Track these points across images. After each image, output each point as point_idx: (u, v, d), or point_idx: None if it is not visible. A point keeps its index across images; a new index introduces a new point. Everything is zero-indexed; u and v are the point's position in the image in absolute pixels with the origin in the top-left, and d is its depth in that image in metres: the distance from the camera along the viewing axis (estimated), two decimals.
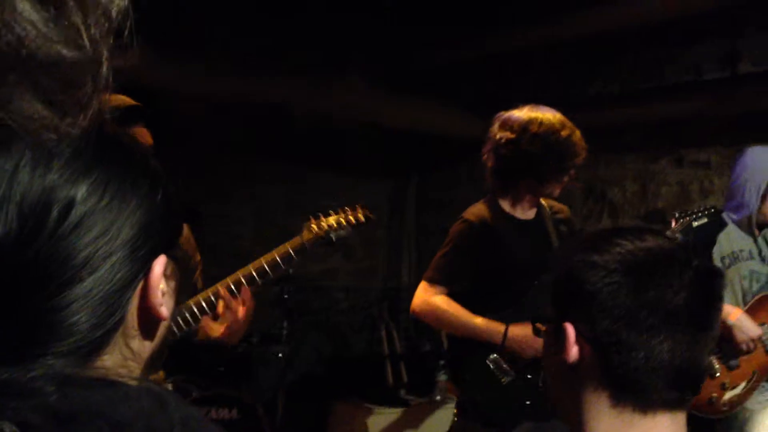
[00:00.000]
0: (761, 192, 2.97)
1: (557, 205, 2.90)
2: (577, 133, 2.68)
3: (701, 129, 4.41)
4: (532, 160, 2.62)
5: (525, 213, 2.78)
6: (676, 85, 4.47)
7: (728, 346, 2.87)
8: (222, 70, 4.25)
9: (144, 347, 0.71)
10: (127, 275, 0.66)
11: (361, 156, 5.72)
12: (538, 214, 2.82)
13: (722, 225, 3.06)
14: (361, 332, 5.50)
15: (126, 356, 0.68)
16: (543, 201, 2.83)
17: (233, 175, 5.08)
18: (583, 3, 4.08)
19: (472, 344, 2.63)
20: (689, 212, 2.90)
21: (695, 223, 2.83)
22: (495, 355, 2.58)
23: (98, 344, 0.65)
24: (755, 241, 3.04)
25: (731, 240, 3.02)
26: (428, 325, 2.84)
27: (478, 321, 2.59)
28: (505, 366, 2.58)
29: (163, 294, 0.70)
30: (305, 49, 4.45)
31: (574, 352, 1.07)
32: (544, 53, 4.81)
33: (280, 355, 4.49)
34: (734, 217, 3.04)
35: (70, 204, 0.61)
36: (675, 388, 1.04)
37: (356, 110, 4.97)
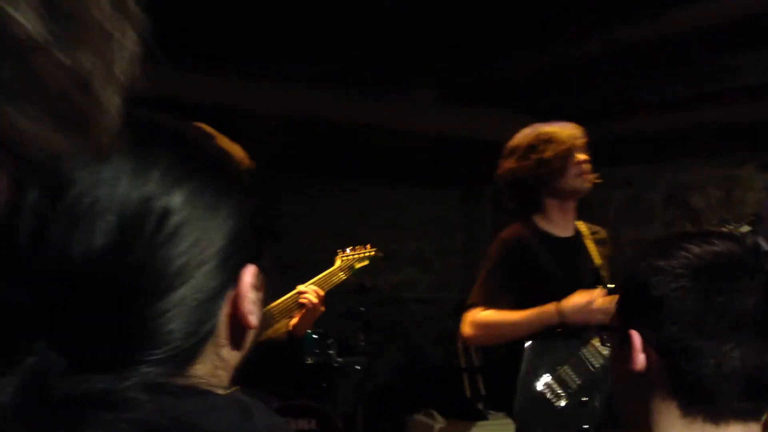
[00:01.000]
0: None
1: (594, 227, 2.85)
2: (558, 133, 2.65)
3: None
4: (539, 176, 2.62)
5: (562, 230, 2.74)
6: (759, 85, 4.31)
7: None
8: (293, 89, 4.35)
9: (232, 356, 0.72)
10: (219, 284, 0.66)
11: (431, 168, 5.74)
12: (576, 232, 2.77)
13: None
14: (437, 344, 5.50)
15: (216, 365, 0.69)
16: (580, 223, 2.79)
17: (303, 193, 5.17)
18: (659, 5, 3.99)
19: (523, 369, 2.57)
20: (729, 220, 2.78)
21: (737, 231, 2.70)
22: (546, 378, 2.52)
23: (192, 353, 0.66)
24: None
25: None
26: None
27: (528, 311, 2.52)
28: (559, 390, 2.51)
29: (253, 303, 0.71)
30: (371, 67, 4.50)
31: (641, 359, 1.04)
32: (616, 58, 4.72)
33: (358, 367, 4.53)
34: None
35: (166, 213, 0.63)
36: (748, 397, 1.00)
37: (423, 122, 5.00)
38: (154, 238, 0.62)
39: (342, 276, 3.32)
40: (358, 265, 3.39)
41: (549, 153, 2.64)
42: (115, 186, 0.61)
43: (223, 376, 0.70)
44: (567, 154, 2.64)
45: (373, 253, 3.42)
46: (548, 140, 2.66)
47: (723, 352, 0.99)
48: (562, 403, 2.51)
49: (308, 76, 4.38)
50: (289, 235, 4.82)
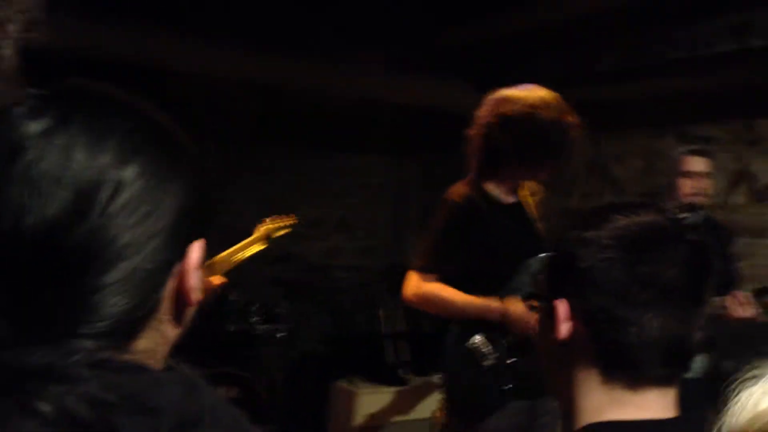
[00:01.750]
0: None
1: (534, 187, 2.79)
2: (569, 117, 2.54)
3: (706, 105, 4.33)
4: (521, 143, 2.51)
5: (508, 196, 2.68)
6: (681, 59, 4.38)
7: None
8: (230, 50, 4.22)
9: (173, 332, 0.72)
10: (168, 258, 0.67)
11: (364, 135, 5.69)
12: (519, 197, 2.72)
13: None
14: (362, 311, 5.50)
15: (157, 341, 0.69)
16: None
17: (231, 159, 5.07)
18: None
19: (455, 328, 2.60)
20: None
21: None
22: (477, 338, 2.54)
23: (135, 327, 0.66)
24: None
25: None
26: None
27: (475, 299, 2.54)
28: (485, 350, 2.53)
29: (197, 279, 0.71)
30: (311, 31, 4.40)
31: (565, 328, 1.05)
32: (549, 33, 4.74)
33: (281, 334, 4.50)
34: None
35: (120, 185, 0.63)
36: (665, 364, 1.02)
37: (357, 89, 4.93)
38: (107, 209, 0.62)
39: (258, 246, 3.31)
40: (275, 235, 3.38)
41: (563, 121, 2.54)
42: (70, 156, 0.62)
43: (163, 352, 0.70)
44: (568, 138, 2.56)
45: (292, 221, 3.44)
46: (562, 112, 2.56)
47: (645, 321, 1.01)
48: (489, 362, 2.53)
49: (247, 40, 4.25)
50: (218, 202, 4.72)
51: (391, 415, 4.47)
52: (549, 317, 1.08)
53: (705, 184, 3.38)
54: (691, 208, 3.00)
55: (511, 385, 2.53)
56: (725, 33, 4.21)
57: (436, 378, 4.43)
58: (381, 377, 4.68)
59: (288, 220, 3.43)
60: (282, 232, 3.41)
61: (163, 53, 4.06)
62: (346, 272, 5.69)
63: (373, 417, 4.46)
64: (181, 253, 0.69)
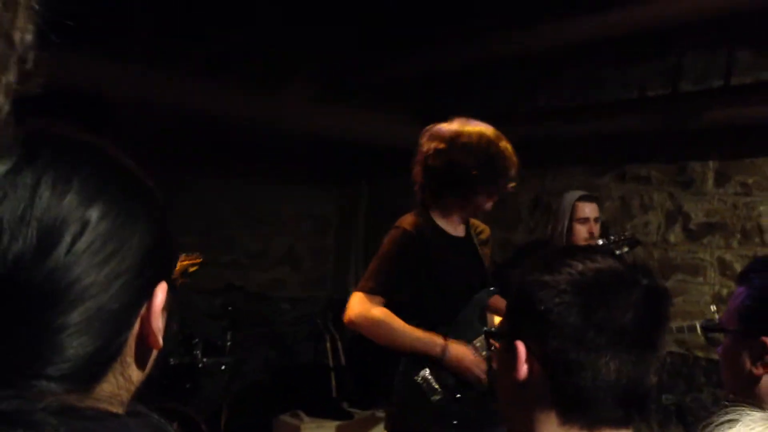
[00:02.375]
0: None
1: (479, 225, 2.85)
2: (510, 147, 2.62)
3: (643, 145, 4.51)
4: (463, 172, 2.55)
5: (455, 229, 2.71)
6: (620, 101, 4.57)
7: None
8: (168, 79, 4.18)
9: (138, 375, 0.70)
10: (133, 299, 0.66)
11: (308, 166, 5.70)
12: (467, 231, 2.76)
13: None
14: (306, 343, 5.47)
15: (121, 384, 0.68)
16: (472, 220, 2.79)
17: (178, 188, 5.00)
18: (529, 20, 4.15)
19: (404, 362, 2.58)
20: (612, 240, 2.96)
21: (617, 251, 2.86)
22: (425, 372, 2.53)
23: (98, 370, 0.65)
24: None
25: None
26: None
27: (418, 333, 2.52)
28: (434, 384, 2.53)
29: (162, 322, 0.70)
30: (253, 60, 4.42)
31: (524, 370, 1.07)
32: (491, 68, 4.87)
33: (223, 367, 4.42)
34: None
35: (85, 224, 0.63)
36: (621, 406, 1.05)
37: (303, 120, 4.95)
38: (72, 248, 0.62)
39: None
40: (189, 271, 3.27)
41: (507, 151, 2.61)
42: (35, 195, 0.61)
43: (127, 396, 0.69)
44: (513, 166, 2.63)
45: (198, 259, 3.29)
46: (505, 142, 2.63)
47: (601, 365, 1.03)
48: (437, 397, 2.53)
49: (186, 69, 4.23)
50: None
51: None
52: (509, 357, 1.10)
53: (596, 229, 3.58)
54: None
55: (456, 422, 2.54)
56: (656, 77, 4.42)
57: (380, 411, 4.44)
58: (325, 410, 4.65)
59: (194, 258, 3.27)
60: (192, 269, 3.26)
61: (100, 80, 4.01)
62: (290, 303, 5.66)
63: None
64: (145, 295, 0.68)
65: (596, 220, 3.62)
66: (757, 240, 4.04)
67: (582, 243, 3.44)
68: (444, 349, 2.50)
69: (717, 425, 0.85)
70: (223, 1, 4.20)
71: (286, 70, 4.64)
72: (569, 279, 1.07)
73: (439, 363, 2.53)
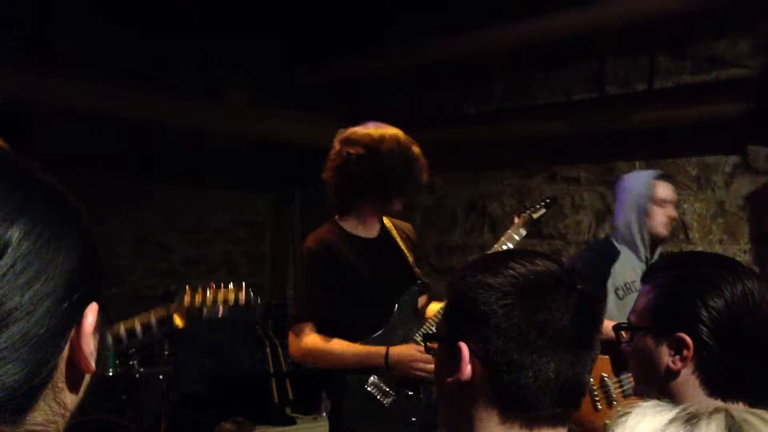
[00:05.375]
0: (644, 211, 3.13)
1: (401, 223, 2.86)
2: (419, 150, 2.66)
3: (571, 147, 4.65)
4: (382, 175, 2.56)
5: (368, 231, 2.71)
6: (548, 105, 4.71)
7: (623, 365, 2.93)
8: (99, 88, 4.10)
9: (72, 400, 0.66)
10: (61, 322, 0.62)
11: (242, 172, 5.66)
12: (382, 231, 2.76)
13: (615, 253, 3.16)
14: (245, 350, 5.42)
15: (55, 411, 0.64)
16: (385, 219, 2.78)
17: (109, 196, 4.90)
18: (459, 26, 4.24)
19: (347, 374, 2.56)
20: (528, 207, 2.95)
21: (535, 215, 2.89)
22: (373, 378, 2.54)
23: (30, 397, 0.61)
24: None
25: (624, 271, 3.12)
26: None
27: (358, 349, 2.53)
28: (385, 388, 2.55)
29: (93, 344, 0.66)
30: (185, 68, 4.38)
31: (467, 370, 1.09)
32: (423, 72, 4.95)
33: (161, 376, 4.35)
34: (625, 243, 3.17)
35: (5, 245, 0.59)
36: (559, 404, 1.09)
37: (234, 125, 4.92)
38: None
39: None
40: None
41: (420, 154, 2.63)
42: None
43: (61, 423, 0.65)
44: (426, 168, 2.65)
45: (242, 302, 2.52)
46: (417, 146, 2.65)
47: (541, 365, 1.07)
48: (390, 399, 2.55)
49: (116, 77, 4.15)
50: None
51: None
52: (450, 358, 1.12)
53: (675, 215, 3.30)
54: (549, 204, 3.05)
55: (414, 419, 2.57)
56: (582, 81, 4.58)
57: (323, 416, 4.44)
58: (267, 417, 4.63)
59: (241, 294, 2.55)
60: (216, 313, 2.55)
61: (24, 89, 3.91)
62: (228, 310, 5.60)
63: None
64: (75, 317, 0.64)
65: (673, 203, 3.24)
66: (681, 237, 4.22)
67: (661, 228, 3.17)
68: (386, 357, 2.51)
69: (614, 421, 0.91)
70: (154, 13, 4.15)
71: (219, 77, 4.61)
72: (512, 281, 1.09)
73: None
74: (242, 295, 2.40)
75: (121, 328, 2.29)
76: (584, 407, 2.88)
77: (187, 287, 2.41)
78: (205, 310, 2.36)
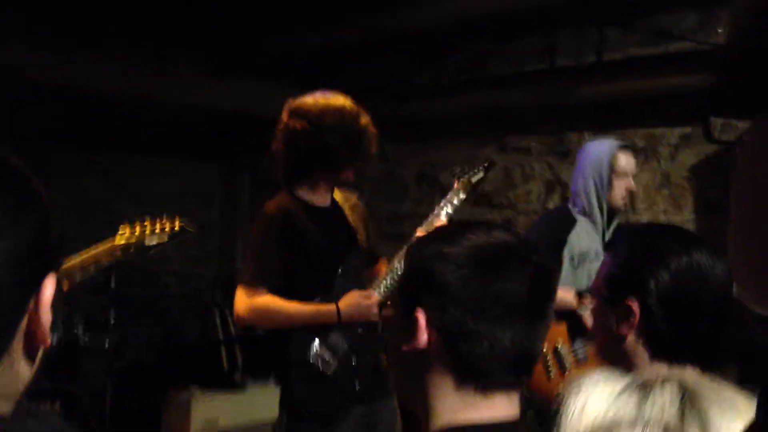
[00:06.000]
0: (605, 181, 3.12)
1: (347, 193, 2.88)
2: (369, 119, 2.66)
3: (522, 118, 4.70)
4: (330, 149, 2.57)
5: (322, 200, 2.74)
6: (499, 76, 4.74)
7: (578, 333, 3.02)
8: (43, 56, 3.98)
9: (26, 372, 0.67)
10: (19, 293, 0.63)
11: (191, 140, 5.58)
12: (332, 200, 2.79)
13: (572, 221, 3.16)
14: (194, 318, 5.38)
15: (11, 379, 0.65)
16: (335, 191, 2.81)
17: (55, 164, 4.78)
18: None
19: (293, 347, 2.58)
20: (467, 170, 2.94)
21: (474, 179, 2.90)
22: (315, 347, 2.56)
23: None
24: (603, 238, 3.15)
25: (580, 240, 3.13)
26: None
27: (308, 308, 2.55)
28: (327, 358, 2.57)
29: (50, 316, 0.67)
30: (132, 37, 4.27)
31: (423, 338, 1.11)
32: (375, 44, 4.92)
33: (106, 345, 4.29)
34: (582, 211, 3.18)
35: None
36: (512, 372, 1.12)
37: (183, 94, 4.83)
38: None
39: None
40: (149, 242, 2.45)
41: (369, 125, 2.63)
42: None
43: (16, 392, 0.66)
44: (375, 138, 2.64)
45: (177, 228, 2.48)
46: (366, 116, 2.64)
47: (496, 334, 1.09)
48: (333, 367, 2.57)
49: (61, 44, 4.02)
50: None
51: (230, 420, 4.41)
52: (405, 326, 1.14)
53: (634, 188, 3.25)
54: (488, 167, 3.03)
55: (359, 387, 2.60)
56: (535, 53, 4.62)
57: (273, 381, 4.44)
58: (217, 383, 4.61)
59: (175, 222, 2.47)
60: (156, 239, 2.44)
61: None
62: (176, 278, 5.54)
63: (210, 424, 4.38)
64: (32, 289, 0.65)
65: (633, 175, 3.20)
66: (628, 207, 4.32)
67: (618, 200, 3.15)
68: (338, 310, 2.54)
69: (567, 390, 0.94)
70: None
71: (168, 45, 4.51)
72: (468, 252, 1.11)
73: (329, 331, 2.57)
74: (178, 223, 2.43)
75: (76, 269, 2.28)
76: (537, 375, 2.96)
77: (125, 221, 2.43)
78: (146, 240, 2.38)
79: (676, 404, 0.85)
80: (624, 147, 3.21)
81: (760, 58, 0.52)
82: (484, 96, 4.77)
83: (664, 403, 0.86)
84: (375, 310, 2.56)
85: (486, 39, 4.79)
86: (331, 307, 2.54)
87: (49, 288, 0.66)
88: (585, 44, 4.43)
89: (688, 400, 0.86)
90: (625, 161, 3.17)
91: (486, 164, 2.96)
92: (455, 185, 2.87)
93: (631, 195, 3.28)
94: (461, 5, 4.24)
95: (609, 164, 3.13)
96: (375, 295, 2.59)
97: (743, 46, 0.56)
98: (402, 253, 2.54)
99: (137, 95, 4.66)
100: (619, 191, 3.16)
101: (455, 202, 2.82)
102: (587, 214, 3.18)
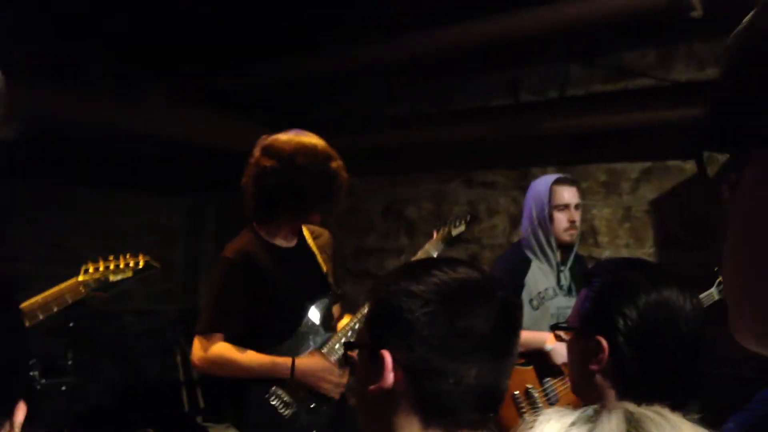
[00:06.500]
0: (546, 217, 3.12)
1: (317, 230, 2.82)
2: (341, 163, 2.61)
3: (487, 152, 4.72)
4: (298, 190, 2.52)
5: (287, 241, 2.67)
6: (465, 111, 4.76)
7: (547, 373, 2.95)
8: (10, 85, 3.90)
9: None
10: None
11: (155, 174, 5.50)
12: (300, 240, 2.73)
13: (527, 262, 3.14)
14: (155, 358, 5.25)
15: None
16: (303, 227, 2.76)
17: (15, 197, 4.66)
18: (381, 33, 4.22)
19: (251, 384, 2.51)
20: (448, 222, 2.95)
21: (454, 232, 2.90)
22: (274, 389, 2.50)
23: None
24: (558, 275, 3.15)
25: (537, 281, 3.11)
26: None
27: (263, 359, 2.48)
28: (285, 398, 2.51)
29: None
30: (100, 67, 4.21)
31: (390, 378, 1.09)
32: (344, 78, 4.92)
33: (64, 387, 4.16)
34: (533, 252, 3.17)
35: None
36: (479, 409, 1.09)
37: (147, 125, 4.76)
38: None
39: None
40: (113, 278, 2.40)
41: (340, 168, 2.57)
42: None
43: None
44: (345, 182, 2.59)
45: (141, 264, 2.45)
46: (338, 159, 2.58)
47: (463, 371, 1.07)
48: (291, 410, 2.51)
49: (32, 75, 3.95)
50: None
51: None
52: (371, 366, 1.11)
53: (577, 217, 3.23)
54: (470, 220, 3.07)
55: (316, 431, 2.53)
56: (500, 88, 4.66)
57: (233, 425, 4.34)
58: (177, 427, 4.49)
59: (139, 259, 2.45)
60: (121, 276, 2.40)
61: None
62: (136, 317, 5.41)
63: None
64: (5, 417, 0.67)
65: (576, 206, 3.19)
66: (591, 241, 4.34)
67: (563, 234, 3.14)
68: (292, 368, 2.47)
69: (523, 429, 0.92)
70: (70, 13, 3.96)
71: (136, 77, 4.45)
72: (434, 289, 1.09)
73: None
74: (142, 259, 2.37)
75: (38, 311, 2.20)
76: (511, 419, 2.92)
77: (88, 261, 2.34)
78: (110, 276, 2.31)
79: (623, 430, 0.85)
80: (560, 180, 3.22)
81: (755, 88, 0.51)
82: (449, 130, 4.79)
83: (611, 430, 0.85)
84: (330, 380, 2.51)
85: (452, 74, 4.82)
86: (288, 361, 2.48)
87: (21, 413, 0.69)
88: (549, 80, 4.47)
89: (633, 426, 0.85)
90: (564, 193, 3.18)
91: (468, 218, 2.96)
92: (435, 236, 2.87)
93: (579, 225, 3.25)
94: (430, 41, 4.26)
95: (548, 199, 3.15)
96: (336, 372, 2.53)
97: (739, 78, 0.55)
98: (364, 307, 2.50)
99: (100, 125, 4.57)
100: (561, 224, 3.16)
101: (433, 254, 2.81)
102: (538, 253, 3.18)
